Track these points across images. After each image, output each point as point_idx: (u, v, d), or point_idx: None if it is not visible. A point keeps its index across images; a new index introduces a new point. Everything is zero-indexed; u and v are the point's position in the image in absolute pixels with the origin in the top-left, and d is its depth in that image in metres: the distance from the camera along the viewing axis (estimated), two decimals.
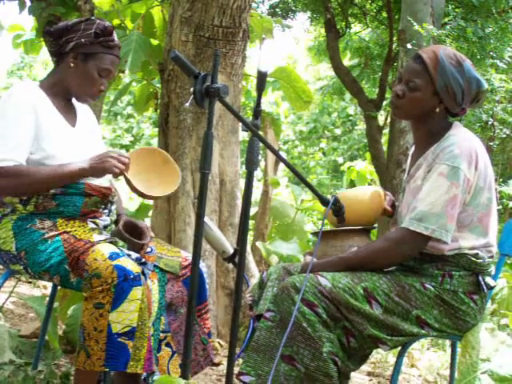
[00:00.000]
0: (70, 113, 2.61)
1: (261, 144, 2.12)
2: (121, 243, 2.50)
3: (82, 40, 2.49)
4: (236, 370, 2.18)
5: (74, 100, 2.64)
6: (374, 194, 2.54)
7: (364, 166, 9.92)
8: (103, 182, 2.53)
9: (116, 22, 4.88)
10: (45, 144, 2.42)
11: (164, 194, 2.54)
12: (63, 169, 2.39)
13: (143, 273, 2.39)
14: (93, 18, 2.58)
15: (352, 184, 9.78)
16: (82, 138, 2.58)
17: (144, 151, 2.59)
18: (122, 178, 2.46)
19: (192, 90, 1.99)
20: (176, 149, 3.93)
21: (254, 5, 6.44)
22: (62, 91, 2.57)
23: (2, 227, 2.44)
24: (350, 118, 17.32)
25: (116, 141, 20.43)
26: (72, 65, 2.51)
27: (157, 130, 4.55)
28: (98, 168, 2.39)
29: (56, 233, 2.41)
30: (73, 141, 2.53)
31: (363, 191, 2.59)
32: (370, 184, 9.65)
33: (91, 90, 2.55)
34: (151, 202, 4.94)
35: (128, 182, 2.45)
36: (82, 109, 2.69)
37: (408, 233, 2.27)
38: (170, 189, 2.54)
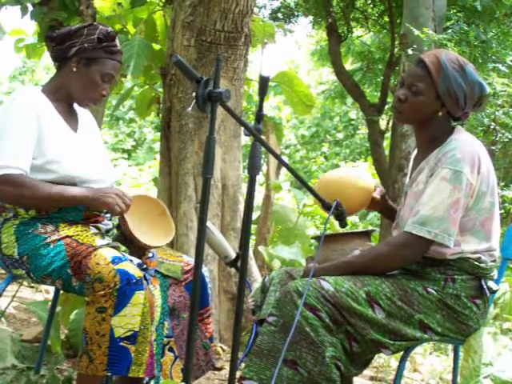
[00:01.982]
0: (71, 118, 2.61)
1: (263, 148, 2.12)
2: (123, 248, 2.50)
3: (85, 45, 2.50)
4: (238, 374, 2.18)
5: (75, 105, 2.65)
6: (364, 180, 2.53)
7: (366, 166, 9.88)
8: (104, 186, 2.54)
9: (118, 26, 4.88)
10: (46, 149, 2.42)
11: (156, 243, 2.54)
12: (67, 191, 2.40)
13: (145, 278, 2.39)
14: (95, 23, 2.59)
15: None
16: (84, 143, 2.59)
17: (145, 199, 2.61)
18: (117, 217, 2.49)
19: (194, 94, 1.99)
20: (178, 153, 3.93)
21: (255, 9, 6.43)
22: (64, 96, 2.57)
23: (4, 232, 2.44)
24: (352, 122, 17.32)
25: (118, 145, 20.45)
26: (74, 69, 2.52)
27: (159, 134, 4.56)
28: (101, 201, 2.41)
29: (58, 237, 2.41)
30: (74, 146, 2.53)
31: (352, 173, 2.55)
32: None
33: (93, 95, 2.56)
34: None
35: (124, 223, 2.47)
36: (84, 114, 2.70)
37: (411, 237, 2.27)
38: (161, 241, 2.55)
